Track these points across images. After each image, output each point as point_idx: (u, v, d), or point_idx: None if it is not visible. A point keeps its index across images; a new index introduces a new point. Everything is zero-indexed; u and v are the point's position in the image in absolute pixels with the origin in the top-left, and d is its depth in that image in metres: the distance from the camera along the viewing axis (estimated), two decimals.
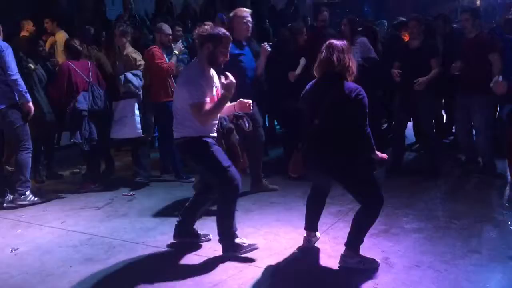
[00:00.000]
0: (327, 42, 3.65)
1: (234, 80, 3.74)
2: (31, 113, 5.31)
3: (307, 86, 3.74)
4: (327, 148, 3.54)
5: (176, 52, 5.90)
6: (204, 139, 3.80)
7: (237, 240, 3.89)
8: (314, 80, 3.72)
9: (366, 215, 3.60)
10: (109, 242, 4.30)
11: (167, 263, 3.87)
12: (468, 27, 5.62)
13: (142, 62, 5.91)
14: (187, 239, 4.11)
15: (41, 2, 8.97)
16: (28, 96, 5.23)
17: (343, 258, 3.66)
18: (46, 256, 4.07)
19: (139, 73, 5.82)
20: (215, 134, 3.93)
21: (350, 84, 3.52)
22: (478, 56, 5.42)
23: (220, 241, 3.90)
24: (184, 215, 4.11)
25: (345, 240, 3.68)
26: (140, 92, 5.83)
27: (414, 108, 5.84)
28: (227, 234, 3.88)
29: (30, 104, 5.27)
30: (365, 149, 3.53)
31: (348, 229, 3.68)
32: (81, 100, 5.57)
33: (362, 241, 3.65)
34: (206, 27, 3.80)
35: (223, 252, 3.88)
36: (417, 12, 8.08)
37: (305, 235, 4.03)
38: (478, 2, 24.93)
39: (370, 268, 3.61)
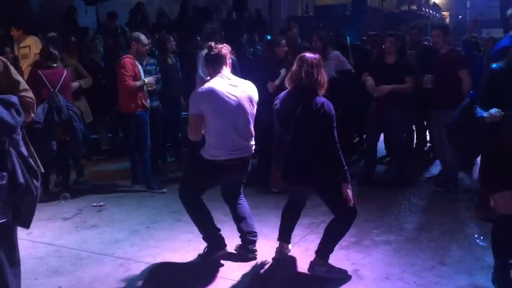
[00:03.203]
0: (299, 56, 3.70)
1: None
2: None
3: (280, 96, 3.78)
4: (302, 161, 3.57)
5: (146, 80, 5.84)
6: None
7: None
8: (286, 91, 3.76)
9: (339, 226, 3.67)
10: (77, 253, 4.21)
11: (135, 275, 3.80)
12: (440, 43, 5.73)
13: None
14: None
15: (9, 8, 8.80)
16: None
17: (312, 265, 3.70)
18: None
19: (15, 98, 2.77)
20: None
21: (317, 98, 3.53)
22: (448, 72, 5.52)
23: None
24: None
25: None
26: (20, 136, 2.82)
27: (386, 120, 5.93)
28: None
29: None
30: (336, 165, 3.53)
31: (319, 240, 3.72)
32: (38, 112, 5.45)
33: (332, 251, 3.70)
34: (223, 45, 3.90)
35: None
36: (388, 29, 8.27)
37: (277, 246, 4.03)
38: (447, 20, 25.73)
39: (337, 277, 3.65)
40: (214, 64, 3.84)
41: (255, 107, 3.90)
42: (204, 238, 3.98)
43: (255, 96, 3.90)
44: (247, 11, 12.62)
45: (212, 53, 3.84)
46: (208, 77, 3.89)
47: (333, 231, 3.68)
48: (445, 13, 29.10)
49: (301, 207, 4.05)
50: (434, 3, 28.45)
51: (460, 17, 27.61)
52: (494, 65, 3.41)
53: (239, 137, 3.77)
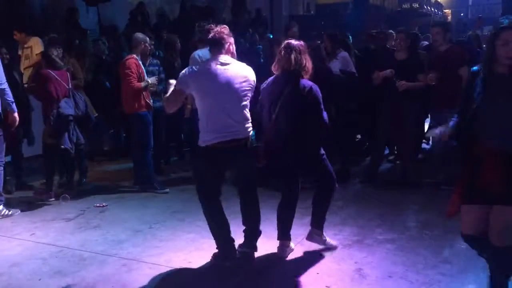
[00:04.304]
0: (285, 42, 3.88)
1: None
2: (15, 124, 5.29)
3: (269, 80, 3.92)
4: (288, 143, 3.77)
5: (149, 81, 5.86)
6: None
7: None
8: (273, 77, 3.91)
9: (324, 195, 4.03)
10: (80, 254, 4.21)
11: (138, 276, 3.80)
12: (439, 40, 5.70)
13: None
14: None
15: (12, 9, 8.81)
16: (14, 106, 5.21)
17: (311, 234, 4.09)
18: (14, 269, 3.97)
19: None
20: None
21: (304, 81, 3.77)
22: (448, 70, 5.48)
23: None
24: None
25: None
26: None
27: (399, 120, 5.84)
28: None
29: (16, 114, 5.25)
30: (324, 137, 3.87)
31: None
32: (65, 106, 5.52)
33: (324, 219, 4.09)
34: (221, 27, 3.79)
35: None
36: (390, 26, 8.23)
37: (278, 245, 4.03)
38: (449, 18, 25.69)
39: (330, 247, 4.09)
40: (211, 48, 3.80)
41: (252, 88, 3.77)
42: (216, 243, 3.94)
43: (251, 77, 3.75)
44: (246, 12, 12.57)
45: (208, 37, 3.81)
46: None
47: (320, 200, 4.04)
48: (447, 11, 29.10)
49: (295, 203, 4.07)
50: (436, 1, 28.40)
51: (462, 14, 27.60)
52: (474, 68, 3.25)
53: (230, 118, 3.65)
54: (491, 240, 3.04)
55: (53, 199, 5.72)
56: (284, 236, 4.05)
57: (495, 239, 3.02)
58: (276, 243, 4.07)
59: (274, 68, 3.87)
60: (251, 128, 3.82)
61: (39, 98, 5.84)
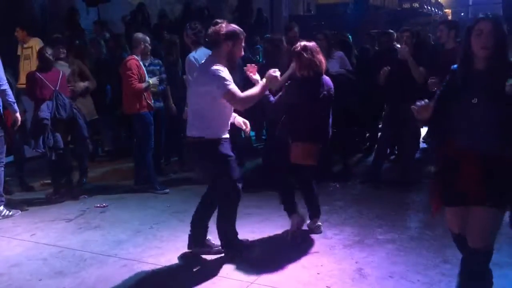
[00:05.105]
0: (302, 45, 4.04)
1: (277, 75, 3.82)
2: (18, 123, 5.31)
3: (290, 86, 4.11)
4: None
5: (150, 82, 5.87)
6: (223, 142, 3.79)
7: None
8: (293, 81, 4.11)
9: (314, 188, 4.47)
10: (80, 254, 4.21)
11: (139, 276, 3.80)
12: (443, 37, 5.68)
13: None
14: (201, 250, 4.07)
15: (9, 9, 8.81)
16: (16, 106, 5.23)
17: (311, 225, 4.47)
18: (14, 269, 3.97)
19: None
20: (227, 136, 3.87)
21: (326, 79, 4.14)
22: None
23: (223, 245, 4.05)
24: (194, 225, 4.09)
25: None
26: None
27: (402, 121, 5.80)
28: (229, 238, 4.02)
29: (18, 114, 5.26)
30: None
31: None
32: (44, 109, 5.46)
33: (320, 211, 4.55)
34: (222, 25, 3.74)
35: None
36: (391, 26, 8.21)
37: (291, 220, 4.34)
38: (449, 17, 25.65)
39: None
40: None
41: (219, 91, 3.61)
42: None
43: (216, 80, 3.59)
44: (251, 13, 12.52)
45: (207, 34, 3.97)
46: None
47: (313, 195, 4.46)
48: (448, 11, 29.07)
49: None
50: (436, 0, 28.36)
51: (462, 14, 27.59)
52: (454, 66, 3.13)
53: (190, 116, 3.86)
54: (468, 241, 2.93)
55: (63, 200, 5.73)
56: (293, 210, 4.33)
57: (472, 240, 2.90)
58: (276, 242, 4.08)
59: (300, 70, 4.04)
60: (211, 129, 3.73)
61: (31, 99, 5.84)
